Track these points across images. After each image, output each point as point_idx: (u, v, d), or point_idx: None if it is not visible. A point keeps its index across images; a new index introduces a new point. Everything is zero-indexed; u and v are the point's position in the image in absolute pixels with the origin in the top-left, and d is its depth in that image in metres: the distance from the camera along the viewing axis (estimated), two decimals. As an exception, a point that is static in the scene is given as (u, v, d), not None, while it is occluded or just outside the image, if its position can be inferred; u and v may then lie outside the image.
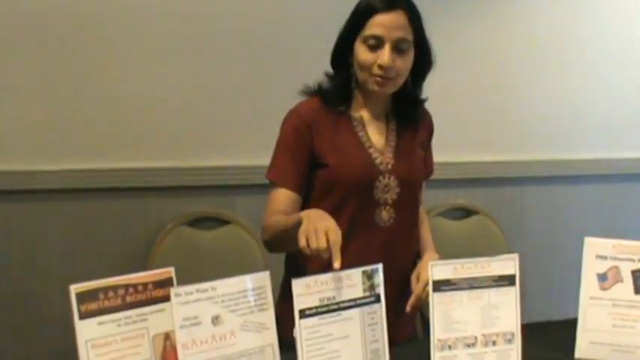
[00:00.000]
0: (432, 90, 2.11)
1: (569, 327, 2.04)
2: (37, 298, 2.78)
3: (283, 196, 2.02)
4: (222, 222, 2.93)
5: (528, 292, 2.86)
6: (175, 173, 2.88)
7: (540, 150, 3.34)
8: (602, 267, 2.00)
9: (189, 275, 1.62)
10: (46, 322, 2.76)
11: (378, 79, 1.96)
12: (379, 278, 1.71)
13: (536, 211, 3.38)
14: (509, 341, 1.84)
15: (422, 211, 2.26)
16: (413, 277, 2.01)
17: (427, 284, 1.86)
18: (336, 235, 1.68)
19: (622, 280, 1.99)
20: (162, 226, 2.87)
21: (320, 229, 1.68)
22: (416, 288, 1.96)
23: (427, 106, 2.15)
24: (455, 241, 3.01)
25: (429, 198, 2.42)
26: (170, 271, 1.70)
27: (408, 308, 1.94)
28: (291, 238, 1.75)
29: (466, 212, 3.25)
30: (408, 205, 2.08)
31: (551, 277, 3.38)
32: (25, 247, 2.79)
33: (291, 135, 2.03)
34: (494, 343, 1.83)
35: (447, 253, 2.06)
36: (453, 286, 1.79)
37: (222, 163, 2.92)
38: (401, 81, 2.01)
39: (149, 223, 2.88)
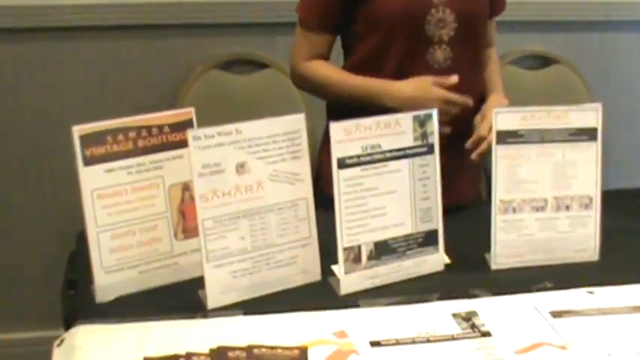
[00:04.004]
0: None
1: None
2: (50, 150, 2.79)
3: (313, 38, 2.06)
4: (260, 65, 2.89)
5: (613, 157, 2.80)
6: (206, 8, 2.81)
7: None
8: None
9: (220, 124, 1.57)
10: (61, 177, 2.77)
11: None
12: (433, 125, 1.66)
13: (629, 62, 3.25)
14: (587, 207, 1.80)
15: (493, 52, 2.23)
16: (477, 118, 1.98)
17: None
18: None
19: None
20: (190, 69, 2.83)
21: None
22: (480, 129, 1.92)
23: None
24: (529, 94, 2.94)
25: (499, 43, 2.34)
26: (190, 112, 1.67)
27: (473, 156, 1.92)
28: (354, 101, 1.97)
29: (543, 61, 3.16)
30: (468, 44, 2.03)
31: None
32: (36, 95, 2.79)
33: None
34: (567, 207, 1.79)
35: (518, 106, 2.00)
36: (520, 139, 1.73)
37: (259, -4, 2.86)
38: None
39: (175, 67, 2.84)
